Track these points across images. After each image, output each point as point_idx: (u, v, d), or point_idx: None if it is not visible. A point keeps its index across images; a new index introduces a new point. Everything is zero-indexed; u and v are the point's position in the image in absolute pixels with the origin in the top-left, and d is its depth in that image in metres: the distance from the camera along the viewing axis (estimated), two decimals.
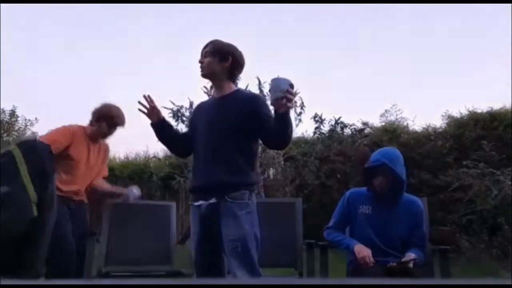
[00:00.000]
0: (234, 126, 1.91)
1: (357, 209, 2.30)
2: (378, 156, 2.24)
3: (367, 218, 2.27)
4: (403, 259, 2.11)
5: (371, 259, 2.10)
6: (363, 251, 2.13)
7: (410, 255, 2.11)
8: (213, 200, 1.87)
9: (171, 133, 2.20)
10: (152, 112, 2.06)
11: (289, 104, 1.72)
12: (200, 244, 1.94)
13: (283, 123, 1.80)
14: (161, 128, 2.12)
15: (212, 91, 6.27)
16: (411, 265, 2.10)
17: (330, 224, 2.37)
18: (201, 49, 2.04)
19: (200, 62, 2.01)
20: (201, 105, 2.19)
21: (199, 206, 1.92)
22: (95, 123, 2.73)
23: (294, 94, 1.75)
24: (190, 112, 6.44)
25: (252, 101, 2.00)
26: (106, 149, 2.87)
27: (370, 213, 2.28)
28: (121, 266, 2.58)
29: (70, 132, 2.61)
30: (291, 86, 1.73)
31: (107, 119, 2.71)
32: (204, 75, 2.02)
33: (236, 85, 2.17)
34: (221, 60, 1.98)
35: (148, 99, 2.04)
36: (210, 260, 1.94)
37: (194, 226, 1.96)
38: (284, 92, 1.69)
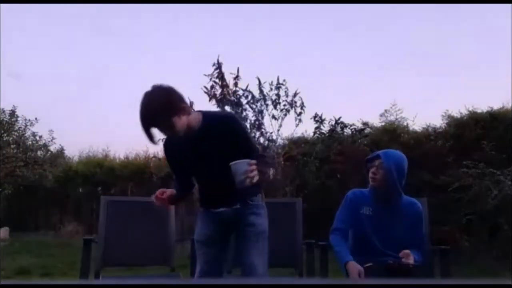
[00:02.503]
0: (224, 150, 1.91)
1: (359, 210, 2.29)
2: (378, 151, 2.31)
3: (368, 219, 2.26)
4: (403, 260, 2.10)
5: (362, 276, 2.05)
6: (353, 270, 2.09)
7: (409, 258, 2.10)
8: (237, 206, 2.02)
9: (180, 192, 2.14)
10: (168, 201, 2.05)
11: (256, 178, 1.80)
12: (214, 242, 2.07)
13: (262, 182, 1.95)
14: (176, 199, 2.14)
15: (213, 91, 6.27)
16: (411, 261, 2.09)
17: (336, 226, 2.33)
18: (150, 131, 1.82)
19: (172, 134, 1.88)
20: (173, 142, 2.04)
21: (220, 211, 2.04)
22: None
23: (256, 167, 1.79)
24: None
25: (227, 122, 1.98)
26: None
27: (371, 214, 2.27)
28: (119, 266, 2.58)
29: None
30: (249, 164, 1.80)
31: None
32: (180, 132, 1.86)
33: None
34: (177, 114, 1.81)
35: (159, 198, 2.01)
36: (218, 257, 2.09)
37: (207, 227, 2.09)
38: (245, 173, 1.78)
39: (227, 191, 1.94)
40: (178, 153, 2.04)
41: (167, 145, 2.10)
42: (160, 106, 1.78)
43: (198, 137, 1.92)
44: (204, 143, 1.92)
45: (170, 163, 2.17)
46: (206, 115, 1.97)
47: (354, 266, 2.10)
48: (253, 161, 1.80)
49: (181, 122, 1.83)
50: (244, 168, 1.79)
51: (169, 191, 2.03)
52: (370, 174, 2.27)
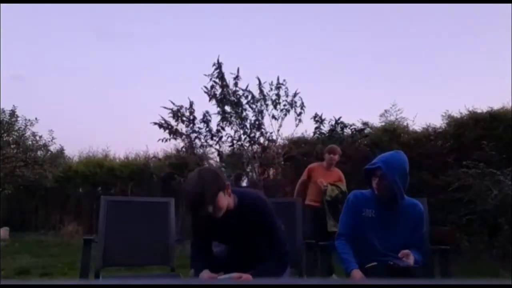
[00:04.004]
0: (252, 232, 2.01)
1: (361, 212, 2.27)
2: (377, 160, 2.23)
3: (371, 222, 2.24)
4: (404, 259, 2.08)
5: None
6: (357, 278, 2.09)
7: (409, 257, 2.09)
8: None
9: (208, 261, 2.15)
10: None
11: None
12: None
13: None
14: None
15: (213, 91, 6.26)
16: (411, 261, 2.08)
17: (341, 231, 2.32)
18: (198, 205, 1.89)
19: (214, 212, 1.92)
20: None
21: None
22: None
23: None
24: (190, 112, 6.43)
25: (259, 205, 2.06)
26: (339, 173, 4.70)
27: (374, 216, 2.25)
28: (119, 266, 2.57)
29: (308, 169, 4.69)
30: (231, 279, 1.83)
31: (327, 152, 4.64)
32: (220, 211, 1.93)
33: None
34: (223, 190, 1.92)
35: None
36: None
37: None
38: None
39: (246, 264, 1.97)
40: (212, 226, 2.06)
41: (197, 215, 2.08)
42: (210, 181, 1.87)
43: (234, 217, 1.99)
44: (238, 223, 2.00)
45: (199, 231, 2.16)
46: (240, 196, 2.05)
47: (358, 274, 2.11)
48: (236, 276, 1.83)
49: (224, 200, 1.92)
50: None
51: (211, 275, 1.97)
52: (374, 185, 2.23)
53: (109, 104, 13.94)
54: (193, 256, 2.20)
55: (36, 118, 9.59)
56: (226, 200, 1.93)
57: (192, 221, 2.17)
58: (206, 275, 1.92)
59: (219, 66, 6.24)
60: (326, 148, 4.75)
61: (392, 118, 7.59)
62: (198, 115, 6.46)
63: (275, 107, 6.39)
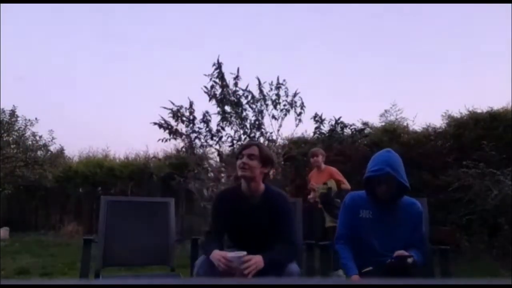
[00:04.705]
0: (270, 223, 2.09)
1: (357, 214, 2.26)
2: (381, 165, 2.15)
3: (368, 222, 2.23)
4: (399, 253, 2.07)
5: None
6: None
7: (404, 252, 2.09)
8: None
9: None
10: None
11: (252, 273, 1.82)
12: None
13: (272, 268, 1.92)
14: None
15: (213, 91, 6.24)
16: (410, 260, 2.05)
17: (339, 233, 2.31)
18: (241, 148, 2.13)
19: (244, 163, 2.05)
20: (228, 198, 2.19)
21: None
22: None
23: (250, 262, 1.84)
24: (189, 112, 6.42)
25: (282, 201, 2.17)
26: (329, 170, 4.88)
27: (371, 217, 2.24)
28: (119, 266, 2.57)
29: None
30: (239, 258, 1.86)
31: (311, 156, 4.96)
32: (245, 176, 2.06)
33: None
34: (263, 166, 2.09)
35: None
36: None
37: None
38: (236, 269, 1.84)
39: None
40: (233, 211, 2.13)
41: (221, 201, 2.20)
42: (266, 149, 2.16)
43: (257, 205, 2.10)
44: (259, 212, 2.08)
45: (219, 218, 2.19)
46: (268, 188, 2.18)
47: (358, 280, 2.09)
48: (245, 256, 1.85)
49: (257, 169, 2.05)
50: (236, 263, 1.84)
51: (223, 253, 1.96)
52: (380, 192, 2.19)
53: (109, 104, 13.94)
54: (204, 244, 2.15)
55: (36, 118, 9.60)
56: (258, 172, 2.05)
57: (213, 209, 2.21)
58: (216, 254, 1.90)
59: (219, 66, 6.23)
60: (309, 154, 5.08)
61: (392, 118, 7.60)
62: (198, 115, 6.46)
63: (275, 107, 6.39)
